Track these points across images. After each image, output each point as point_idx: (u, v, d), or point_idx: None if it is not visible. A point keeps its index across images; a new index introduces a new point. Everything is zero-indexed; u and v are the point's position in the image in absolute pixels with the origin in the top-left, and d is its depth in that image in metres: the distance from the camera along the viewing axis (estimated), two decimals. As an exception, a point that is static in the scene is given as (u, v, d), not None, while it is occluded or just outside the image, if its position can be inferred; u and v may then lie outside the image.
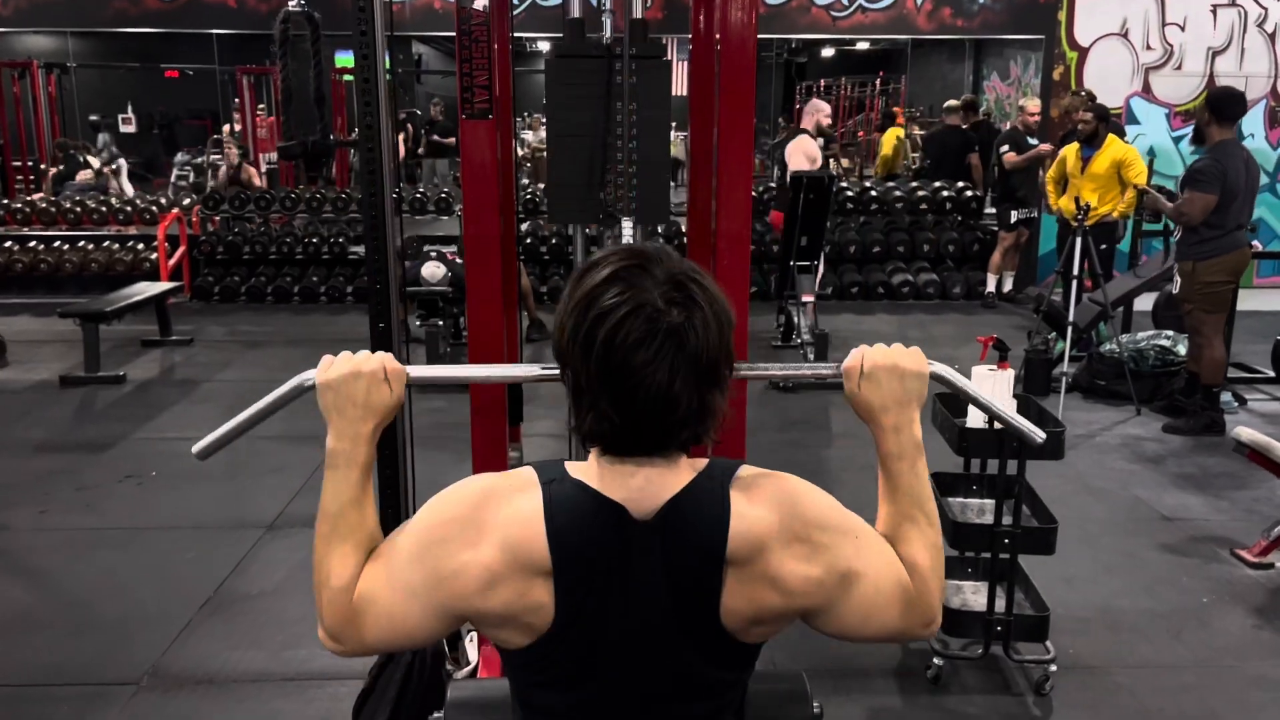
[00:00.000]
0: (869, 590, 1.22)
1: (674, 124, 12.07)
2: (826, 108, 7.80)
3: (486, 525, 1.16)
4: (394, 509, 2.65)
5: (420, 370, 1.34)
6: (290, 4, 2.47)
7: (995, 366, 2.91)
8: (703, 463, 1.21)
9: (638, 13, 2.20)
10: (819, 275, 6.78)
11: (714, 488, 1.18)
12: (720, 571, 1.16)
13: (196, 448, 1.38)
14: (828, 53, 18.57)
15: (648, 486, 1.16)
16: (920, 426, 1.30)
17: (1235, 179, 4.99)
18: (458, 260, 6.82)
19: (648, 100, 2.05)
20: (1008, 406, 2.86)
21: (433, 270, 6.50)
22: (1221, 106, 5.10)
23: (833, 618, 1.23)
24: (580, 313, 1.11)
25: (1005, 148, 8.15)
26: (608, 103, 2.04)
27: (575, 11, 2.28)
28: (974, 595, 3.14)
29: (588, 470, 1.19)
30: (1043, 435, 1.45)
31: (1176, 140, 8.82)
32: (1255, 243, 8.81)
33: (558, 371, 1.22)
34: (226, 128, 12.71)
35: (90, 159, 11.01)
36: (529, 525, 1.15)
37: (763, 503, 1.18)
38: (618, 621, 1.17)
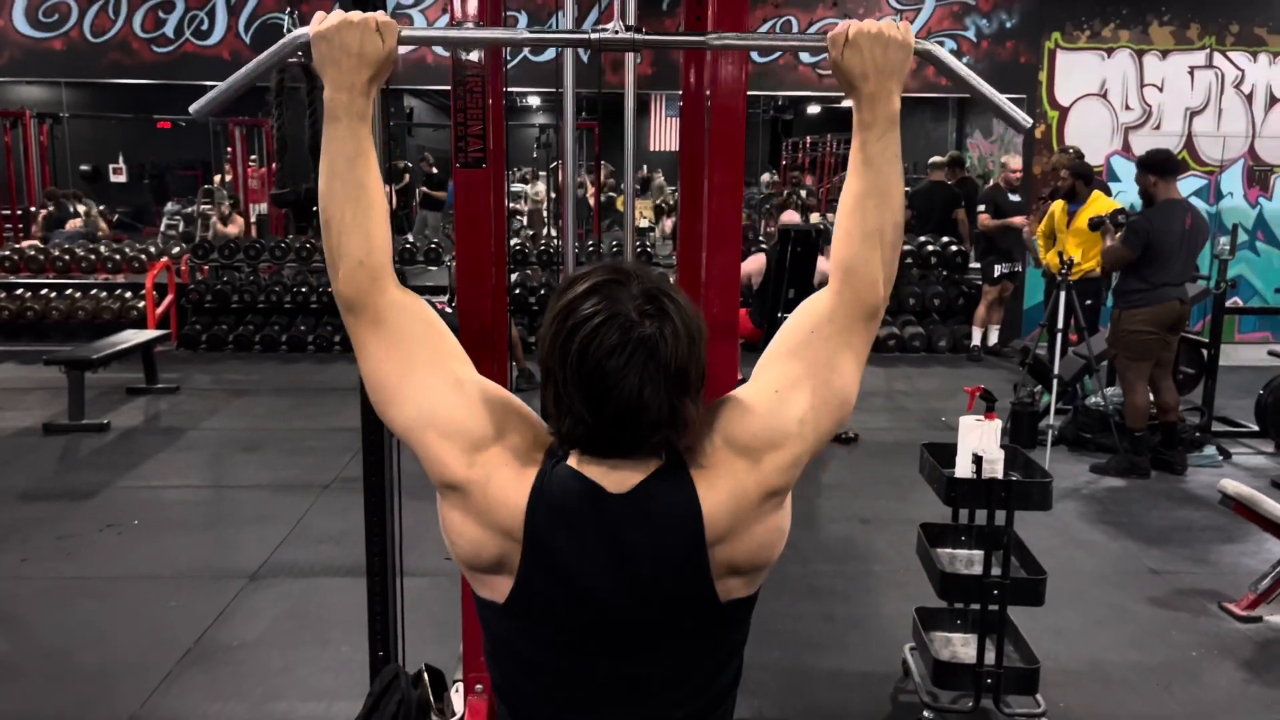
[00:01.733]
0: (827, 396, 1.27)
1: (663, 178, 12.14)
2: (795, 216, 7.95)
3: (486, 462, 1.23)
4: (379, 526, 2.62)
5: (412, 30, 1.38)
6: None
7: (982, 416, 2.93)
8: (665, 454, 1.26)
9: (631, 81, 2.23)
10: None
11: (677, 472, 1.23)
12: (705, 554, 1.21)
13: (194, 107, 1.45)
14: (813, 109, 18.87)
15: (624, 479, 1.22)
16: (898, 101, 1.31)
17: (1165, 239, 5.19)
18: (448, 309, 6.83)
19: None
20: (995, 457, 2.89)
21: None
22: (1162, 167, 5.33)
23: (821, 438, 1.29)
24: (560, 321, 1.18)
25: (982, 208, 8.26)
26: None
27: (569, 178, 2.33)
28: (963, 647, 3.13)
29: (574, 459, 1.25)
30: (1030, 120, 1.49)
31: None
32: (1236, 299, 8.96)
33: (549, 38, 1.50)
34: (217, 178, 12.78)
35: (79, 207, 11.06)
36: (515, 489, 1.22)
37: (716, 460, 1.23)
38: (594, 595, 1.21)
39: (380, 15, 1.32)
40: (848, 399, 1.30)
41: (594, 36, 1.44)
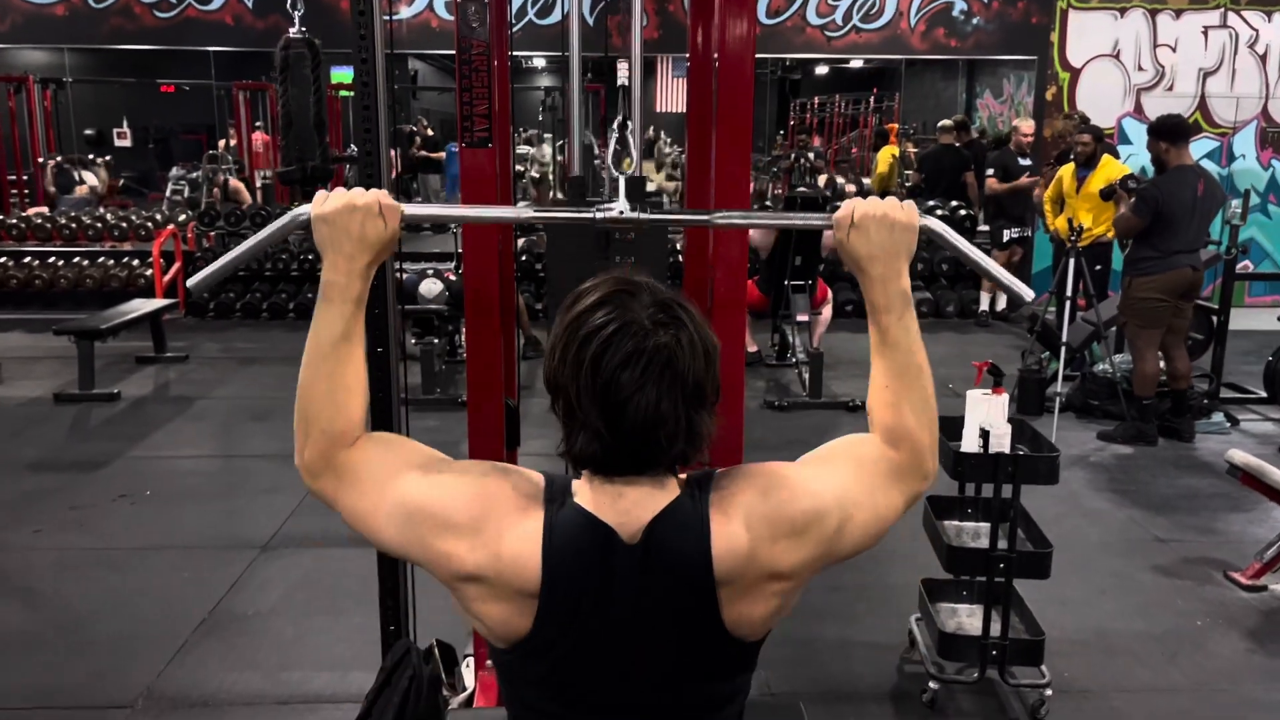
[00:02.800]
0: (865, 516, 1.25)
1: (671, 139, 12.05)
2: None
3: (489, 531, 1.18)
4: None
5: (415, 208, 1.38)
6: (291, 30, 2.48)
7: (990, 391, 2.93)
8: (683, 478, 1.23)
9: (637, 48, 2.21)
10: (828, 311, 6.88)
11: (694, 508, 1.19)
12: (714, 593, 1.18)
13: (192, 282, 1.44)
14: (822, 70, 18.65)
15: (634, 509, 1.18)
16: (909, 280, 1.32)
17: (1175, 207, 5.15)
18: (453, 277, 6.83)
19: (645, 256, 2.10)
20: (1003, 431, 2.89)
21: (429, 287, 6.51)
22: (1173, 133, 5.26)
23: (843, 554, 1.26)
24: (570, 334, 1.15)
25: (990, 172, 8.19)
26: (606, 256, 2.07)
27: (575, 146, 2.32)
28: (969, 619, 3.15)
29: (582, 491, 1.21)
30: (1032, 294, 1.51)
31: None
32: (1247, 262, 8.90)
33: (557, 216, 1.39)
34: (222, 143, 12.73)
35: (86, 174, 11.04)
36: (527, 549, 1.17)
37: (740, 515, 1.19)
38: (605, 641, 1.20)
39: (384, 198, 1.30)
40: (883, 530, 1.28)
41: (598, 216, 1.45)
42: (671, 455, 1.17)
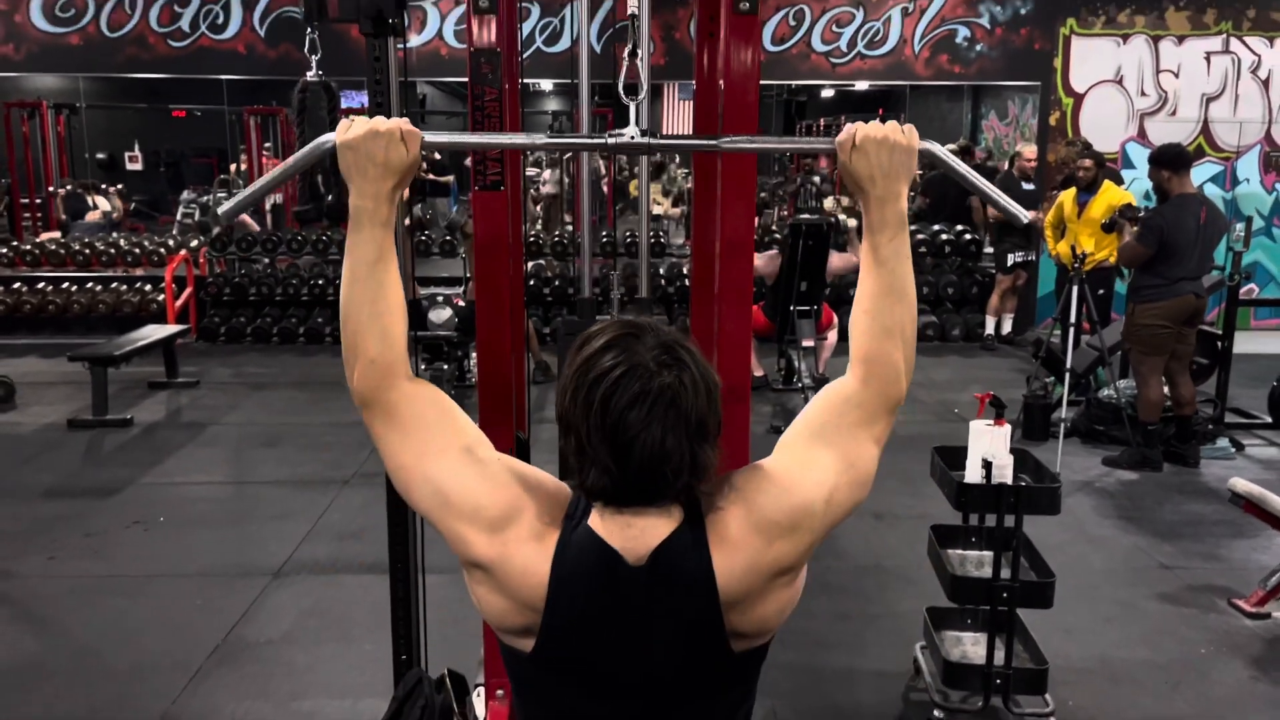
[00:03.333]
0: (848, 481, 1.32)
1: (676, 161, 12.13)
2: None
3: (506, 538, 1.26)
4: (401, 528, 2.68)
5: (433, 135, 1.44)
6: (308, 74, 2.55)
7: (992, 422, 2.97)
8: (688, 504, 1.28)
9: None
10: (833, 336, 6.94)
11: (695, 535, 1.25)
12: (719, 614, 1.25)
13: (222, 209, 1.51)
14: (828, 92, 18.78)
15: (641, 535, 1.24)
16: (905, 202, 1.37)
17: (1179, 235, 5.20)
18: (461, 304, 6.90)
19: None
20: (1005, 462, 2.94)
21: (439, 314, 6.57)
22: (1175, 161, 5.32)
23: (837, 522, 1.33)
24: (579, 376, 1.22)
25: None
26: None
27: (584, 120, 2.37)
28: (973, 647, 3.18)
29: (595, 518, 1.27)
30: (1029, 215, 1.55)
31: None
32: (1253, 286, 8.94)
33: (571, 141, 1.60)
34: (233, 167, 12.86)
35: (99, 199, 11.16)
36: (535, 564, 1.25)
37: (733, 534, 1.25)
38: (608, 660, 1.26)
39: (405, 124, 1.36)
40: (867, 483, 1.34)
41: (610, 141, 1.49)
42: (677, 487, 1.23)
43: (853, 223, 7.04)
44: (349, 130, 1.34)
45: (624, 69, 1.87)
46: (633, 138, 1.50)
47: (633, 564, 1.23)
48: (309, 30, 2.47)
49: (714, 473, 1.26)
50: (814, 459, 1.32)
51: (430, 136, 1.41)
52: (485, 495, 1.28)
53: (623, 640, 1.25)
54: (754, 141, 1.71)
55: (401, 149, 1.34)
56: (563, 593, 1.24)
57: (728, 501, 1.28)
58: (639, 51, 1.91)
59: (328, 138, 1.39)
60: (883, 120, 1.37)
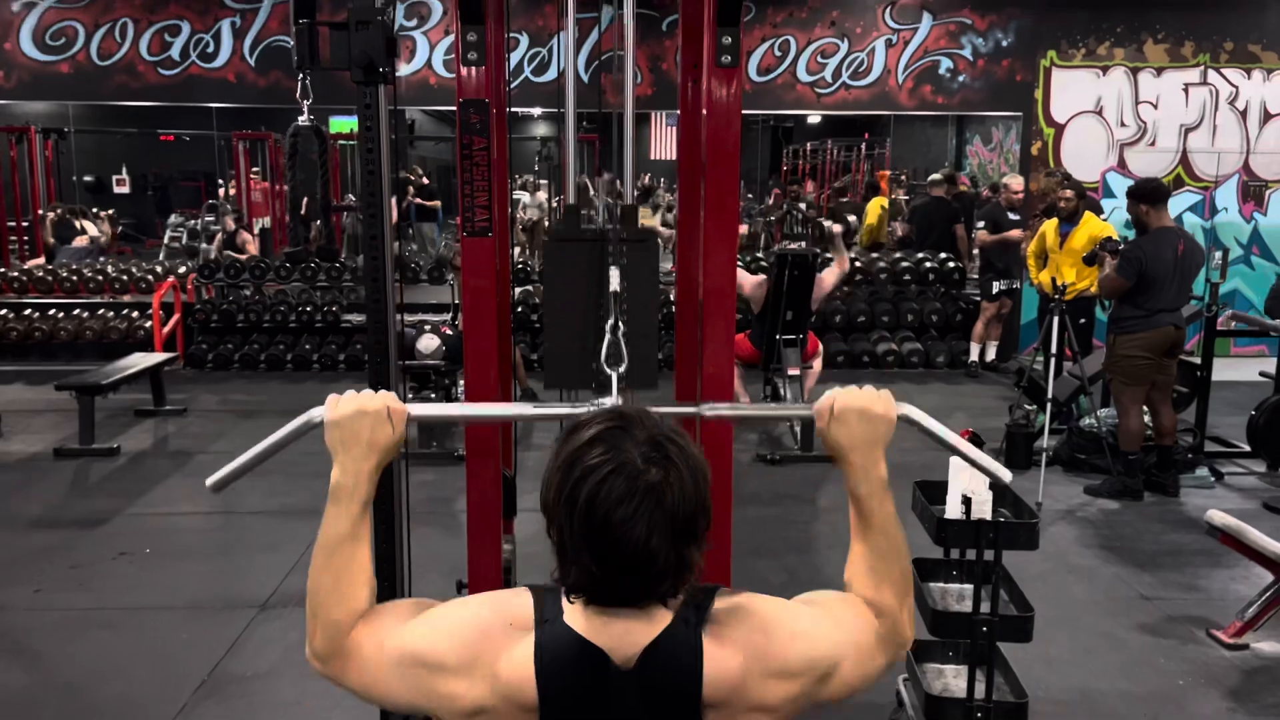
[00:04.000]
0: (852, 668, 1.32)
1: (663, 181, 12.24)
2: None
3: (483, 665, 1.24)
4: (390, 581, 2.71)
5: (422, 409, 1.45)
6: (300, 118, 2.60)
7: (972, 459, 3.02)
8: (679, 602, 1.26)
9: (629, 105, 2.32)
10: (819, 364, 7.02)
11: (687, 634, 1.24)
12: (698, 716, 1.24)
13: (210, 481, 1.52)
14: (814, 118, 18.97)
15: (626, 635, 1.23)
16: (885, 466, 1.38)
17: (1158, 267, 5.30)
18: (449, 331, 6.93)
19: (637, 279, 2.19)
20: (984, 498, 2.98)
21: (428, 343, 6.60)
22: (1152, 195, 5.44)
23: (826, 699, 1.32)
24: (565, 471, 1.20)
25: (981, 225, 8.37)
26: (600, 283, 2.16)
27: (570, 191, 2.43)
28: (955, 680, 3.21)
29: (574, 614, 1.25)
30: (1009, 475, 1.57)
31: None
32: (1230, 313, 9.03)
33: (554, 412, 1.40)
34: (222, 191, 12.91)
35: (87, 224, 11.16)
36: (522, 671, 1.23)
37: (736, 647, 1.24)
38: None
39: (393, 401, 1.39)
40: (869, 685, 1.35)
41: (590, 409, 1.48)
42: (662, 590, 1.21)
43: (838, 228, 7.09)
44: (337, 407, 1.38)
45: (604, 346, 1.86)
46: (613, 405, 1.50)
47: (621, 665, 1.22)
48: (301, 76, 2.52)
49: (700, 572, 1.24)
50: (835, 629, 1.32)
51: (416, 410, 1.43)
52: (443, 641, 1.27)
53: None
54: (736, 409, 1.68)
55: (387, 428, 1.38)
56: (553, 690, 1.22)
57: (737, 619, 1.27)
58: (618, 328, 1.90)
59: (316, 413, 1.42)
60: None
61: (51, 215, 10.90)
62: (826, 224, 7.18)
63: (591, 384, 2.20)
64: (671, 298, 8.36)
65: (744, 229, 10.81)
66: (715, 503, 1.25)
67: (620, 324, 1.87)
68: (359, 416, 1.36)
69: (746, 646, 1.25)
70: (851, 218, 7.66)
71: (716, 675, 1.23)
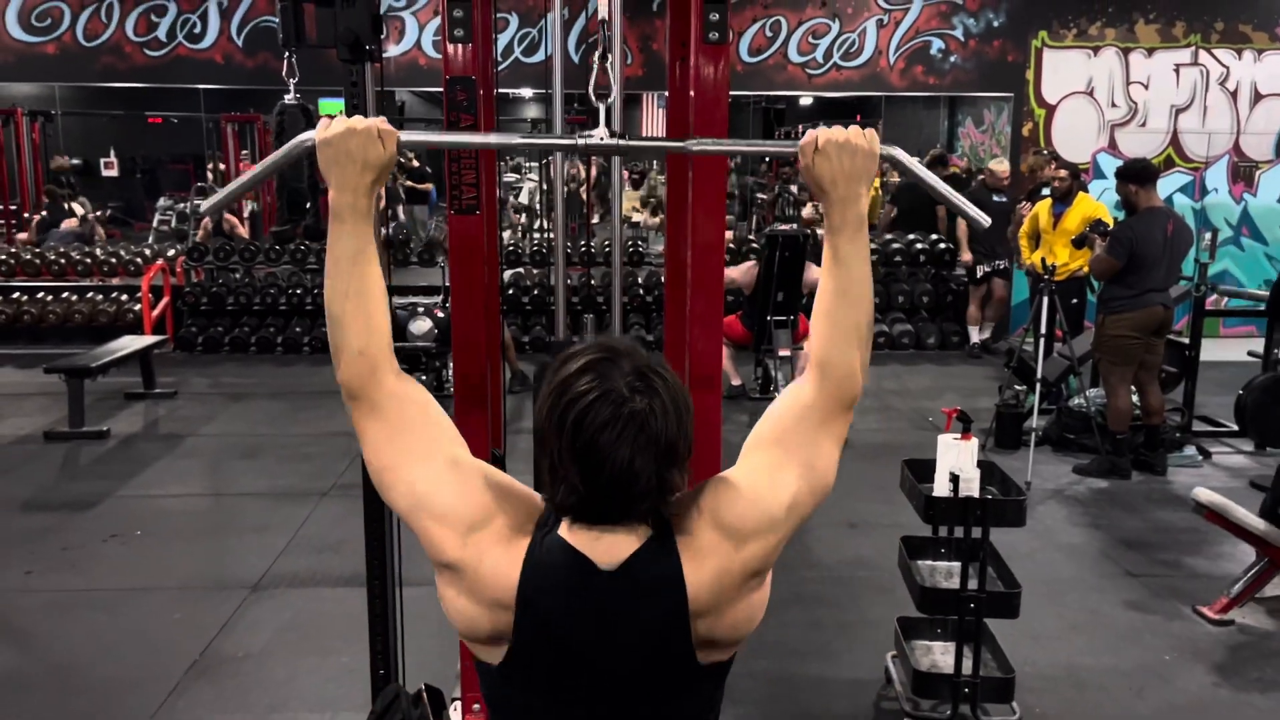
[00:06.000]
0: (809, 485, 1.37)
1: (655, 168, 12.18)
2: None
3: (476, 541, 1.31)
4: (379, 561, 2.72)
5: (409, 134, 1.48)
6: (286, 96, 2.59)
7: (959, 437, 3.04)
8: (658, 520, 1.33)
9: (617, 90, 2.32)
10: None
11: (664, 546, 1.30)
12: (687, 624, 1.29)
13: (204, 206, 1.56)
14: (806, 100, 18.91)
15: (611, 548, 1.29)
16: (866, 205, 1.41)
17: (1148, 247, 5.31)
18: (440, 314, 6.93)
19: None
20: (972, 476, 3.00)
21: (419, 325, 6.60)
22: (1140, 176, 5.42)
23: (801, 522, 1.38)
24: (555, 397, 1.26)
25: None
26: None
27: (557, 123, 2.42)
28: (943, 656, 3.24)
29: (565, 529, 1.32)
30: (988, 220, 1.60)
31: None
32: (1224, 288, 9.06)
33: (540, 140, 1.42)
34: (210, 174, 12.82)
35: (75, 206, 11.10)
36: (504, 568, 1.29)
37: (703, 545, 1.30)
38: (579, 665, 1.31)
39: (382, 122, 1.40)
40: (829, 483, 1.40)
41: (580, 143, 1.54)
42: (643, 508, 1.28)
43: None
44: (328, 129, 1.39)
45: (594, 73, 1.92)
46: (602, 139, 1.55)
47: (604, 568, 1.28)
48: (287, 54, 2.51)
49: (680, 495, 1.32)
50: (776, 466, 1.37)
51: (406, 136, 1.45)
52: (460, 499, 1.33)
53: (591, 644, 1.30)
54: (721, 144, 1.77)
55: (378, 145, 1.38)
56: (533, 593, 1.28)
57: (696, 515, 1.32)
58: (609, 55, 1.96)
59: (307, 135, 1.43)
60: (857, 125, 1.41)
61: (38, 217, 10.77)
62: (821, 231, 7.17)
63: None
64: (661, 280, 8.36)
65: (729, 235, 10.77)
66: (705, 426, 1.28)
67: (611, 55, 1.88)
68: (349, 135, 1.37)
69: (710, 538, 1.31)
70: None
71: (696, 579, 1.29)
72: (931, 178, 1.53)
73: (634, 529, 1.30)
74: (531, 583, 1.29)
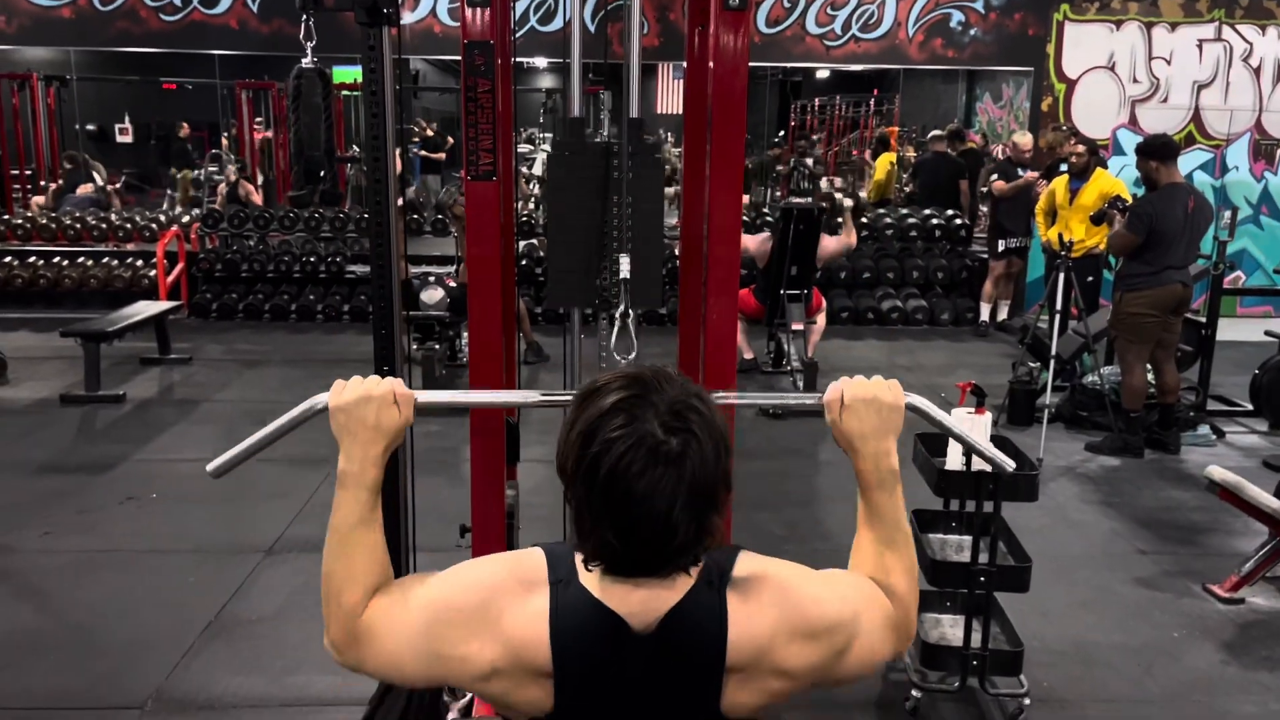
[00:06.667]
0: (865, 644, 1.31)
1: (670, 137, 12.16)
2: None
3: (494, 622, 1.23)
4: (394, 530, 2.74)
5: (428, 395, 1.42)
6: (303, 60, 2.57)
7: (973, 411, 3.03)
8: (700, 566, 1.25)
9: (634, 91, 2.31)
10: (823, 320, 7.01)
11: (711, 596, 1.23)
12: (720, 679, 1.23)
13: (211, 466, 1.47)
14: (822, 73, 18.76)
15: (648, 601, 1.22)
16: (897, 456, 1.38)
17: (1168, 224, 5.26)
18: (453, 283, 6.93)
19: (641, 194, 2.17)
20: (985, 446, 2.99)
21: (431, 294, 6.60)
22: (1161, 152, 5.38)
23: (836, 678, 1.31)
24: (583, 443, 1.16)
25: (995, 176, 8.30)
26: (604, 196, 2.15)
27: (575, 109, 2.40)
28: (952, 629, 3.25)
29: (590, 579, 1.24)
30: (1013, 465, 1.60)
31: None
32: (1239, 273, 9.01)
33: (559, 398, 1.35)
34: (225, 140, 12.82)
35: (95, 172, 11.12)
36: (534, 629, 1.22)
37: (761, 607, 1.24)
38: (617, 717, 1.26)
39: (399, 386, 1.36)
40: (875, 667, 1.35)
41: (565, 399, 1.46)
42: (683, 561, 1.21)
43: (849, 202, 7.04)
44: (342, 394, 1.35)
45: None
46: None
47: (639, 630, 1.21)
48: (304, 17, 2.49)
49: (719, 535, 1.23)
50: (855, 600, 1.32)
51: (424, 397, 1.39)
52: (454, 594, 1.26)
53: (626, 702, 1.24)
54: (744, 398, 1.65)
55: (393, 412, 1.35)
56: (569, 654, 1.21)
57: (762, 579, 1.26)
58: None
59: (320, 399, 1.38)
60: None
61: (55, 186, 10.78)
62: (838, 197, 7.11)
63: (593, 301, 2.20)
64: (676, 252, 8.35)
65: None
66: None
67: (629, 309, 1.87)
68: (364, 402, 1.34)
69: (773, 606, 1.24)
70: (848, 202, 7.47)
71: (742, 635, 1.22)
72: (957, 426, 1.52)
73: (671, 579, 1.22)
74: (563, 643, 1.21)
